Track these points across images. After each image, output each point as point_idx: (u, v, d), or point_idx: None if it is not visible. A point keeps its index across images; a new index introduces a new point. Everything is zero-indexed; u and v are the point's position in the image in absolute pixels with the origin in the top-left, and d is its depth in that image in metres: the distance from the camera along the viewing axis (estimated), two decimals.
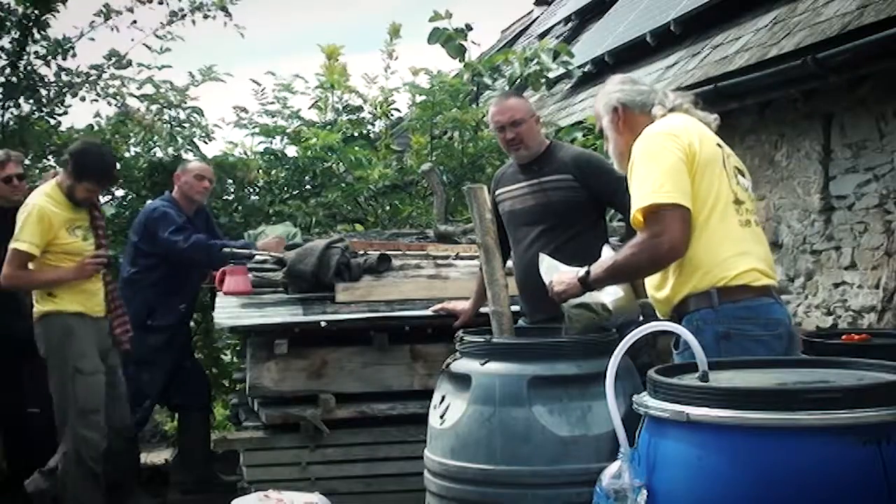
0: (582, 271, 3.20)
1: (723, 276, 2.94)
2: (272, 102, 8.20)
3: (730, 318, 2.92)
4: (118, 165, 4.62)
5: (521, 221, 4.37)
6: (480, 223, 3.42)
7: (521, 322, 4.07)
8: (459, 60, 8.38)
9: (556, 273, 3.36)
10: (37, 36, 7.41)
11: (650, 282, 3.12)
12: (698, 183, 2.96)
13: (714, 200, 2.98)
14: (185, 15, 7.69)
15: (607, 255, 3.36)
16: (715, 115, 3.25)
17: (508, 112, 4.34)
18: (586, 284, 3.19)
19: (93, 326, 5.05)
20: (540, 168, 4.34)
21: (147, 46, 7.67)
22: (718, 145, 3.10)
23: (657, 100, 3.22)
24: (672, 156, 2.95)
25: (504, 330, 3.41)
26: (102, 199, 7.58)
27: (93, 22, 7.54)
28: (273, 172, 7.95)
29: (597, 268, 3.16)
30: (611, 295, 3.33)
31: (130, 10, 7.58)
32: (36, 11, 7.30)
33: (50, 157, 7.50)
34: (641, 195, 2.93)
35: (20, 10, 7.31)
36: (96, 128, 7.62)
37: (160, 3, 7.62)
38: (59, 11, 7.38)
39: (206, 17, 7.73)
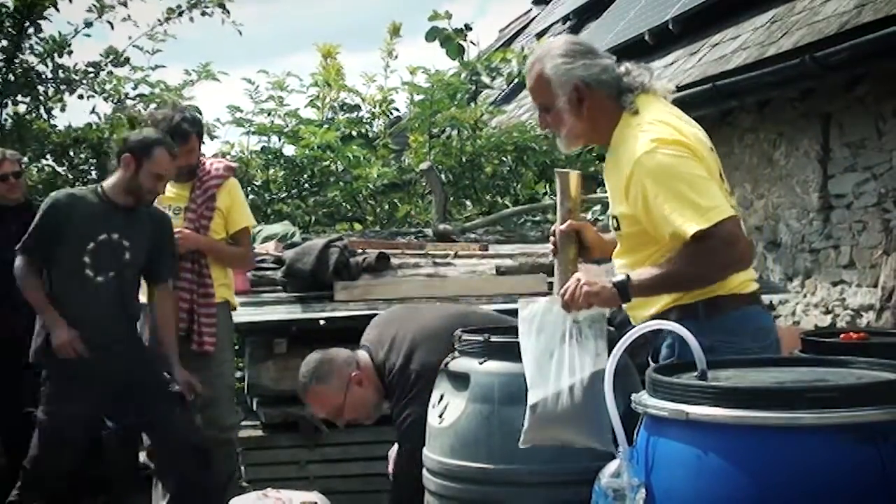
0: (617, 277, 2.76)
1: (711, 289, 2.76)
2: (266, 101, 8.20)
3: (715, 330, 2.72)
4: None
5: None
6: (561, 207, 3.21)
7: None
8: (458, 61, 8.38)
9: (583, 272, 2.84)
10: (31, 31, 7.38)
11: None
12: None
13: None
14: (183, 12, 7.65)
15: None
16: (672, 87, 2.98)
17: None
18: (624, 292, 2.72)
19: None
20: None
21: (138, 48, 7.65)
22: (711, 149, 2.88)
23: (622, 82, 2.85)
24: (694, 164, 2.70)
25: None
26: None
27: (87, 19, 7.52)
28: (271, 171, 7.94)
29: (637, 275, 2.73)
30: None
31: (124, 3, 7.53)
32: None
33: (48, 156, 7.47)
34: (690, 219, 2.62)
35: (11, 4, 7.25)
36: (94, 126, 7.60)
37: None
38: (50, 9, 7.33)
39: (203, 14, 7.68)
